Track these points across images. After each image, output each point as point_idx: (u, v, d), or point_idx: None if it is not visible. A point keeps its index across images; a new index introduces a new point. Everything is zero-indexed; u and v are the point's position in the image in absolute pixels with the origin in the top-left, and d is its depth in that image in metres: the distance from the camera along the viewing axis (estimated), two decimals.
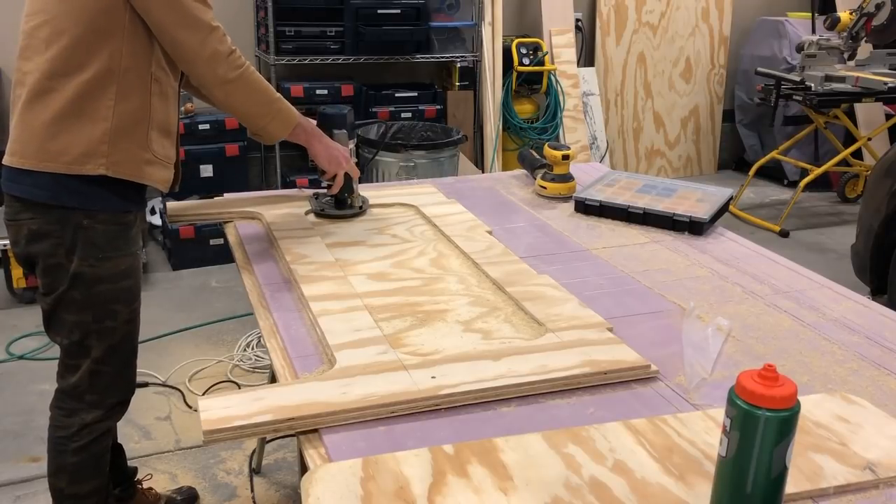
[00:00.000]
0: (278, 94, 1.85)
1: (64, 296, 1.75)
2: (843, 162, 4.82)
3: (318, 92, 4.45)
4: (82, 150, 1.66)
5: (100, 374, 1.82)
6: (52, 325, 1.82)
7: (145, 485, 2.26)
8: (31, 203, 1.70)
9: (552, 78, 5.01)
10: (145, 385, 2.92)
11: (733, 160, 5.98)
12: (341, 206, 2.05)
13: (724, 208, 2.12)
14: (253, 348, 3.20)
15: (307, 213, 2.06)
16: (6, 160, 1.71)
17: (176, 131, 1.85)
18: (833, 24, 4.50)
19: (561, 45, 5.10)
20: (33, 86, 1.66)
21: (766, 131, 5.55)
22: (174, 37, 1.69)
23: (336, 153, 1.96)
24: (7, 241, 3.48)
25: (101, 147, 1.67)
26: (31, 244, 1.73)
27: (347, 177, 2.00)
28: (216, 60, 1.72)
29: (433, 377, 1.26)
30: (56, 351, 1.84)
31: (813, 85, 4.40)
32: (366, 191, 2.22)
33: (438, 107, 4.71)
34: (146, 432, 2.70)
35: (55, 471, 1.89)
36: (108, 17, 1.65)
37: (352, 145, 2.06)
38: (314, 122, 1.97)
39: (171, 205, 2.07)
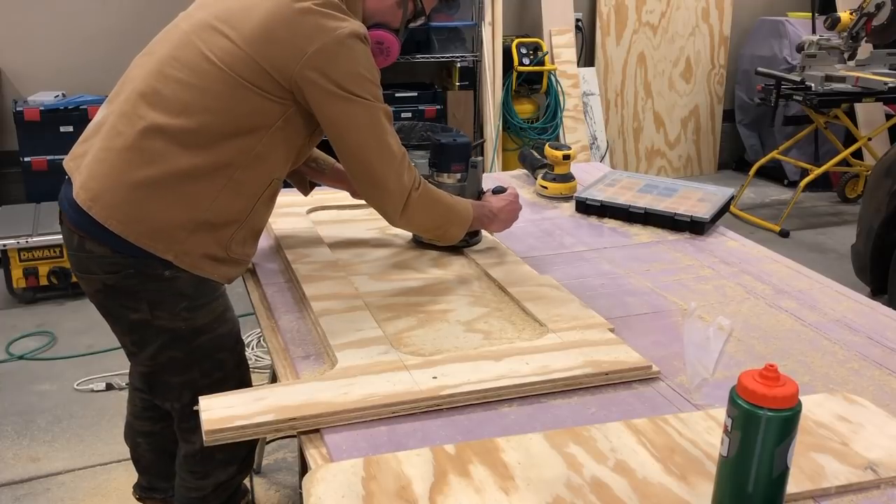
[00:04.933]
0: (449, 195, 1.67)
1: (160, 357, 1.57)
2: (844, 162, 4.82)
3: None
4: (158, 227, 1.46)
5: None
6: (157, 389, 1.65)
7: None
8: (101, 254, 1.49)
9: (552, 78, 5.01)
10: None
11: (733, 160, 5.98)
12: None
13: (725, 208, 2.12)
14: (253, 348, 3.20)
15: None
16: (81, 196, 1.48)
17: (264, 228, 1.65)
18: (833, 24, 4.50)
19: (561, 45, 5.10)
20: (145, 136, 1.45)
21: (766, 131, 5.55)
22: (371, 164, 1.51)
23: (506, 215, 1.77)
24: (6, 242, 3.52)
25: (178, 233, 1.47)
26: (108, 298, 1.55)
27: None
28: (403, 193, 1.55)
29: (435, 377, 1.26)
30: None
31: (813, 85, 4.39)
32: None
33: (438, 107, 4.71)
34: None
35: None
36: (260, 117, 1.48)
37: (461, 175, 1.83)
38: (479, 202, 1.77)
39: None
